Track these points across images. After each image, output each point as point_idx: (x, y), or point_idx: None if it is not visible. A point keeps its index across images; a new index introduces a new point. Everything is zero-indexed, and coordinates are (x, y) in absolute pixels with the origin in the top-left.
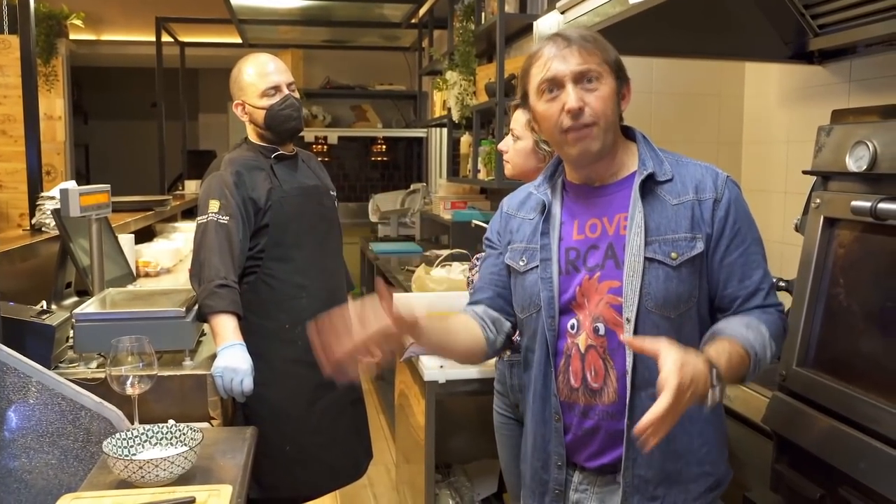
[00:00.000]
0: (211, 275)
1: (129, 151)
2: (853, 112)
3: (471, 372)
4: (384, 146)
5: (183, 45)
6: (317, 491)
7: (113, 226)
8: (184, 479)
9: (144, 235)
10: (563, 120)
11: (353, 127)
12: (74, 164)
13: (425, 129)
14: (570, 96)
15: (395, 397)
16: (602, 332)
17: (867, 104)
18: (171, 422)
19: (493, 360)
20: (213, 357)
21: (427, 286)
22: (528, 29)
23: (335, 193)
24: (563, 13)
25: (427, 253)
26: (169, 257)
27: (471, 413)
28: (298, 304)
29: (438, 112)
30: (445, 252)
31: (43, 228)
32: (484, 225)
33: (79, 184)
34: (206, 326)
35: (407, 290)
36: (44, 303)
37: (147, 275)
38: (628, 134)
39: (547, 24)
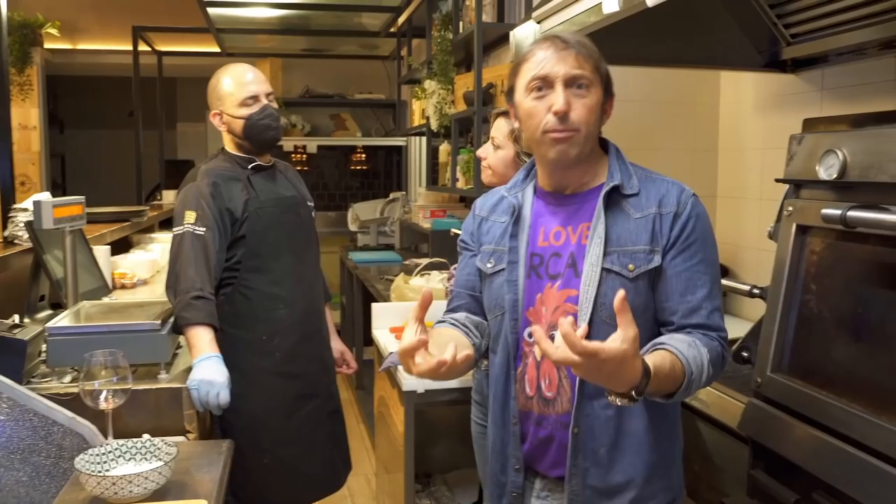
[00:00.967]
0: (187, 286)
1: (105, 161)
2: (824, 121)
3: (450, 382)
4: (363, 155)
5: (160, 54)
6: (295, 503)
7: (88, 237)
8: (158, 495)
9: (121, 246)
10: (547, 120)
11: (333, 136)
12: (50, 174)
13: (404, 138)
14: (559, 98)
15: (374, 407)
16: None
17: (839, 111)
18: (146, 436)
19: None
20: (189, 370)
21: (406, 295)
22: (505, 38)
23: (312, 204)
24: (539, 23)
25: (406, 262)
26: (145, 269)
27: (451, 422)
28: (275, 315)
29: (417, 121)
30: (425, 261)
31: (16, 241)
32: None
33: (54, 194)
34: (182, 339)
35: (386, 299)
36: (16, 316)
37: (123, 286)
38: (603, 146)
39: (523, 33)
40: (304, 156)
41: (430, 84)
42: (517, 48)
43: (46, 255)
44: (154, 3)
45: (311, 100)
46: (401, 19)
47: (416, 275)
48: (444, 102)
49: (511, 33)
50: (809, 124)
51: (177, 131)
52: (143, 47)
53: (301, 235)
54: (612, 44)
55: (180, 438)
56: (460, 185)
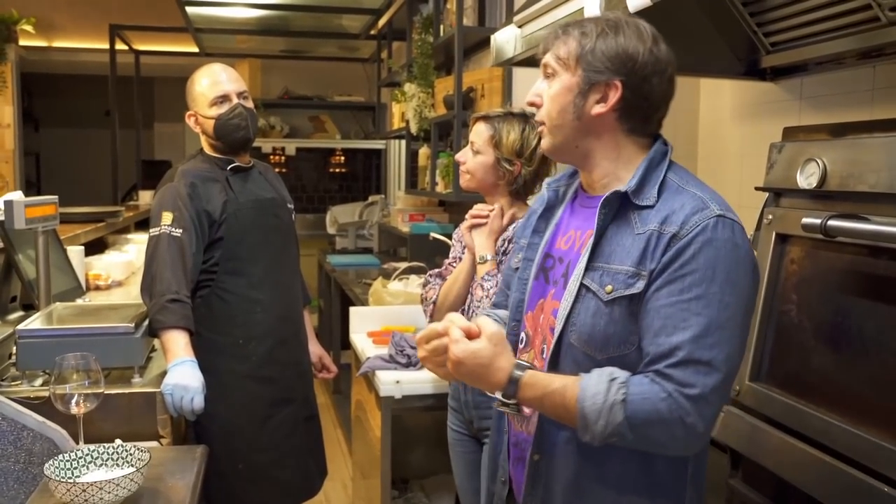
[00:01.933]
0: (162, 289)
1: (81, 160)
2: (804, 129)
3: (426, 387)
4: (342, 157)
5: (138, 53)
6: None
7: (62, 237)
8: (130, 502)
9: (96, 247)
10: None
11: (312, 138)
12: (24, 172)
13: (384, 141)
14: (531, 89)
15: (351, 411)
16: (545, 354)
17: (817, 120)
18: (118, 441)
19: None
20: (164, 374)
21: (384, 299)
22: (486, 42)
23: (292, 206)
24: (520, 27)
25: (385, 266)
26: (120, 270)
27: (428, 428)
28: (252, 318)
29: (397, 124)
30: (403, 265)
31: None
32: (441, 237)
33: (28, 193)
34: (156, 342)
35: (364, 303)
36: None
37: (98, 288)
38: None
39: (504, 37)
40: (283, 157)
41: (410, 87)
42: (498, 52)
43: (18, 255)
44: (132, 1)
45: (290, 101)
46: (381, 22)
47: (394, 279)
48: (424, 106)
49: (492, 37)
50: (789, 133)
51: (154, 131)
52: (120, 46)
53: (280, 238)
54: None
55: (153, 444)
56: (440, 189)
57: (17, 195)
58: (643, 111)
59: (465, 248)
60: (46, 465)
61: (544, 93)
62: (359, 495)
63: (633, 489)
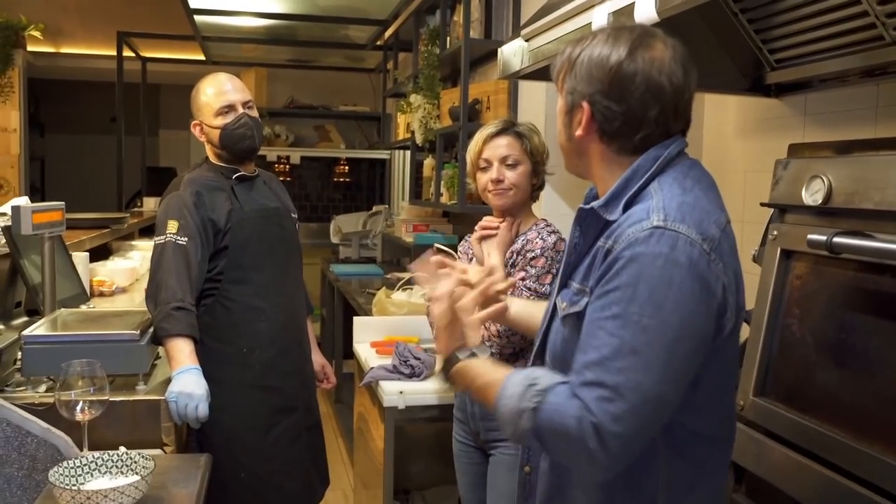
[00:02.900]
0: (167, 297)
1: (86, 166)
2: (809, 146)
3: (430, 398)
4: (347, 167)
5: (145, 60)
6: None
7: (67, 243)
8: None
9: (100, 253)
10: None
11: (316, 147)
12: (29, 177)
13: (388, 151)
14: None
15: (353, 421)
16: None
17: (821, 137)
18: (122, 449)
19: None
20: (168, 381)
21: (387, 309)
22: (492, 55)
23: (296, 216)
24: (527, 41)
25: (388, 275)
26: (125, 276)
27: (430, 439)
28: (256, 327)
29: (402, 134)
30: (407, 275)
31: None
32: (445, 248)
33: (33, 198)
34: (161, 349)
35: (367, 313)
36: None
37: (102, 294)
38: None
39: (511, 50)
40: (288, 166)
41: (415, 98)
42: (504, 65)
43: (24, 260)
44: (140, 9)
45: (296, 110)
46: (388, 33)
47: (398, 289)
48: (430, 117)
49: (499, 50)
50: (795, 149)
51: (159, 138)
52: (127, 53)
53: (284, 247)
54: None
55: (157, 451)
56: (444, 199)
57: (23, 201)
58: (622, 130)
59: (471, 259)
60: (51, 471)
61: None
62: None
63: (619, 496)
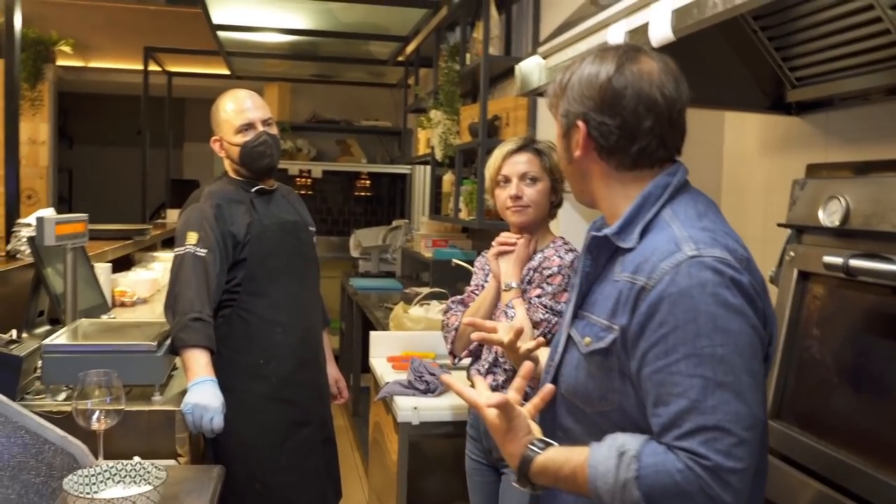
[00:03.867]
0: (185, 308)
1: (112, 177)
2: (827, 167)
3: (444, 414)
4: (368, 181)
5: (170, 74)
6: None
7: (90, 254)
8: None
9: (123, 264)
10: None
11: (338, 161)
12: (57, 188)
13: (409, 166)
14: None
15: (369, 435)
16: None
17: (844, 155)
18: (137, 458)
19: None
20: (184, 392)
21: (404, 325)
22: (511, 71)
23: (314, 229)
24: (545, 58)
25: (407, 290)
26: (146, 287)
27: (445, 455)
28: (273, 339)
29: (423, 149)
30: (425, 290)
31: (18, 255)
32: (464, 264)
33: (60, 209)
34: (177, 360)
35: (385, 327)
36: (14, 331)
37: (123, 304)
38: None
39: (529, 67)
40: (309, 180)
41: (435, 114)
42: (523, 82)
43: (47, 270)
44: (166, 25)
45: (318, 125)
46: (409, 49)
47: (415, 304)
48: (450, 133)
49: (517, 67)
50: (812, 170)
51: (183, 151)
52: (153, 67)
53: (301, 260)
54: None
55: (171, 462)
56: (463, 215)
57: (48, 212)
58: (619, 144)
59: (487, 275)
60: (66, 479)
61: None
62: None
63: None
